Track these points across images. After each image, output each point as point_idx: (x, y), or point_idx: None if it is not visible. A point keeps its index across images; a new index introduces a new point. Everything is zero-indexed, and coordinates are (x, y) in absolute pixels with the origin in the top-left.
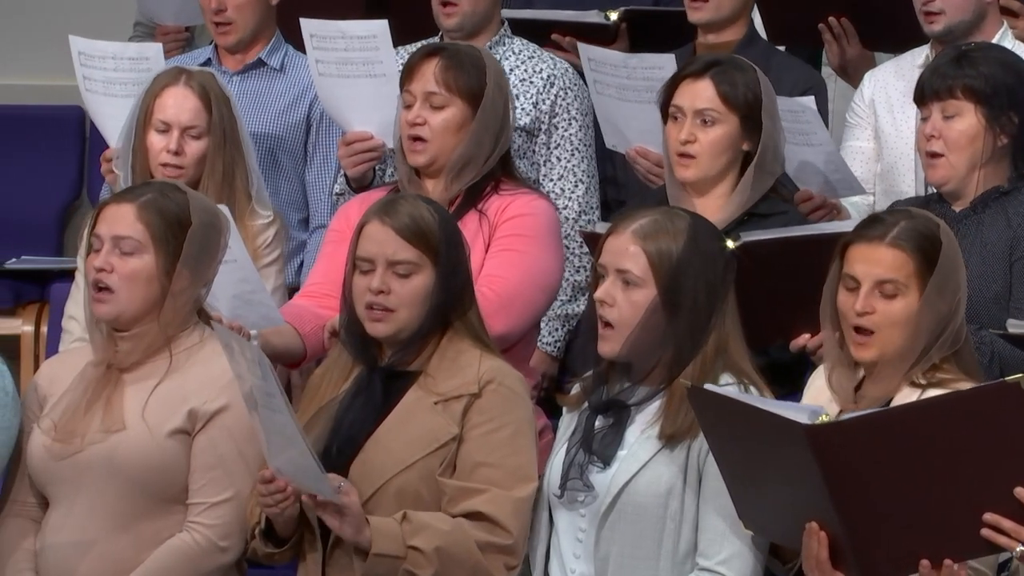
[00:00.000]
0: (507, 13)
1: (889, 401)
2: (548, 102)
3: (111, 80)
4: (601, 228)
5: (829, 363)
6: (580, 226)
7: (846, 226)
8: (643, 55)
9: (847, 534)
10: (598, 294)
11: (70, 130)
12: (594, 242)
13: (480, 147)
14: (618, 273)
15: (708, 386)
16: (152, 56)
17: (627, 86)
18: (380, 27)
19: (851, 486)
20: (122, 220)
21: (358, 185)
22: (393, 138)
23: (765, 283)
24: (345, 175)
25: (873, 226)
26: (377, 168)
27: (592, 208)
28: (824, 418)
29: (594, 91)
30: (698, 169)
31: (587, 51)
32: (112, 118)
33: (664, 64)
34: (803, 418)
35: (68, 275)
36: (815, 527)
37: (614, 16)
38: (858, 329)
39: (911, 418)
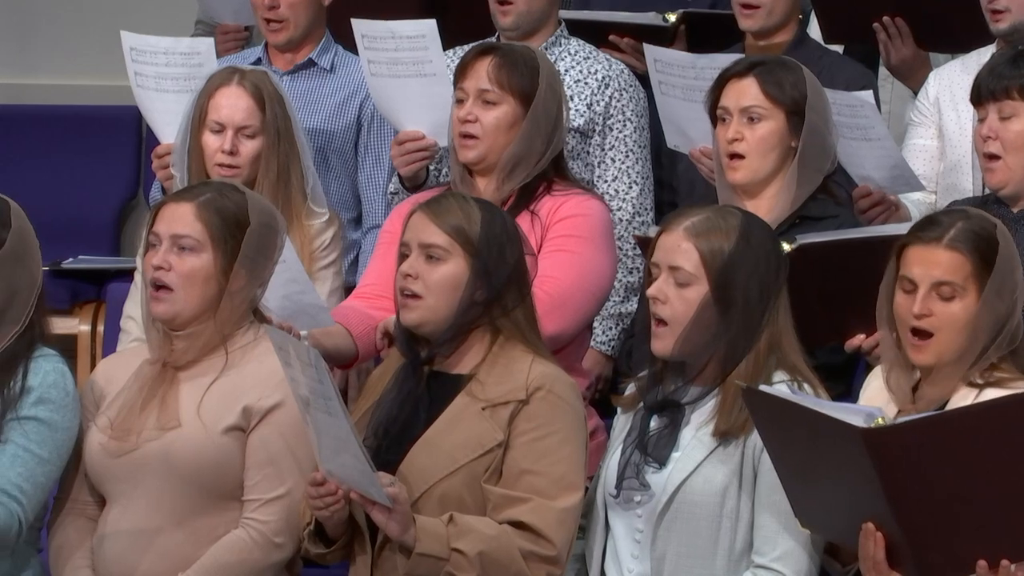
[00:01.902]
0: (565, 14)
1: (947, 401)
2: (602, 103)
3: (163, 75)
4: (654, 232)
5: (886, 364)
6: (634, 227)
7: (902, 228)
8: (712, 55)
9: (904, 535)
10: (651, 291)
11: (127, 130)
12: (647, 246)
13: (531, 148)
14: (671, 270)
15: (763, 387)
16: (204, 51)
17: (694, 86)
18: (429, 27)
19: (908, 488)
20: (181, 219)
21: (411, 184)
22: (447, 137)
23: (821, 285)
24: (399, 175)
25: (930, 227)
26: (432, 168)
27: (646, 209)
28: (880, 421)
29: (658, 92)
30: (747, 170)
31: (653, 52)
32: (164, 113)
33: None
34: (859, 421)
35: (124, 274)
36: (871, 528)
37: (672, 18)
38: (916, 332)
39: (968, 421)
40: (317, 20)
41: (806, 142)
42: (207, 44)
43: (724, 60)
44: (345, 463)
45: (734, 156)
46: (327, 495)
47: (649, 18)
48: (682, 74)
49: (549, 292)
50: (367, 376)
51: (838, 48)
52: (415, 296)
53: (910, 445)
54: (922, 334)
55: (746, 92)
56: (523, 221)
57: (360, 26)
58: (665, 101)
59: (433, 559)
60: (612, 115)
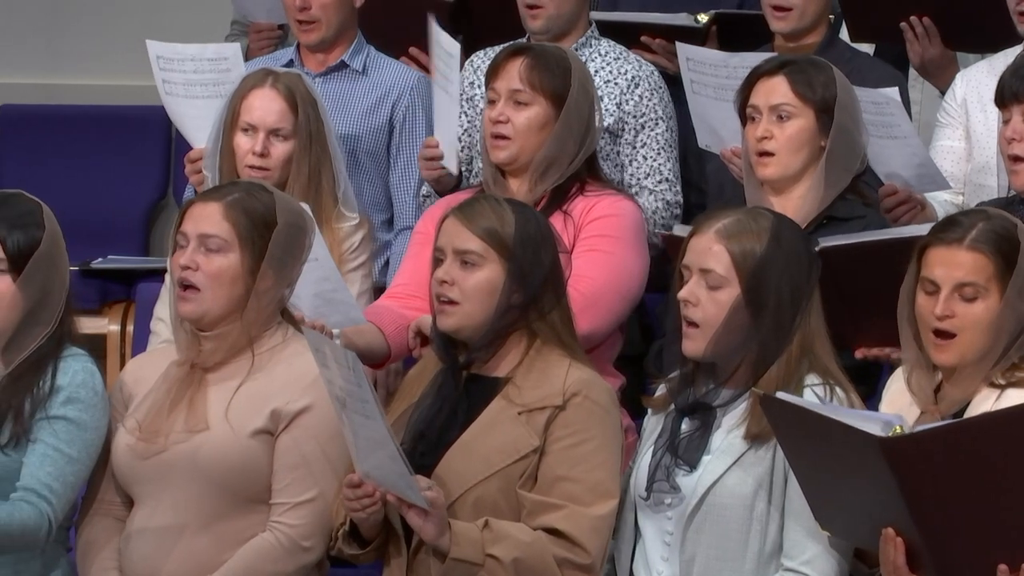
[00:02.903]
0: (596, 15)
1: (969, 402)
2: (632, 103)
3: (191, 82)
4: (680, 231)
5: (908, 365)
6: (664, 226)
7: (923, 229)
8: (744, 54)
9: (924, 541)
10: (682, 294)
11: (156, 130)
12: (674, 245)
13: (564, 149)
14: (702, 273)
15: (780, 395)
16: (231, 56)
17: (726, 85)
18: (232, 50)
19: (927, 495)
20: (208, 219)
21: (441, 190)
22: (477, 139)
23: (844, 288)
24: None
25: (951, 228)
26: (465, 170)
27: (678, 206)
28: (898, 429)
29: (690, 91)
30: (777, 166)
31: (685, 51)
32: (195, 119)
33: None
34: (877, 429)
35: (154, 275)
36: (891, 533)
37: (704, 18)
38: (939, 333)
39: (985, 428)
40: (349, 21)
41: (835, 141)
42: (234, 49)
43: (756, 59)
44: (382, 465)
45: (763, 153)
46: (364, 497)
47: (681, 19)
48: (714, 73)
49: (582, 291)
50: (396, 376)
51: (869, 49)
52: (452, 302)
53: (928, 453)
54: (944, 335)
55: (776, 90)
56: (556, 221)
57: (155, 47)
58: (697, 100)
59: (467, 564)
60: (644, 114)
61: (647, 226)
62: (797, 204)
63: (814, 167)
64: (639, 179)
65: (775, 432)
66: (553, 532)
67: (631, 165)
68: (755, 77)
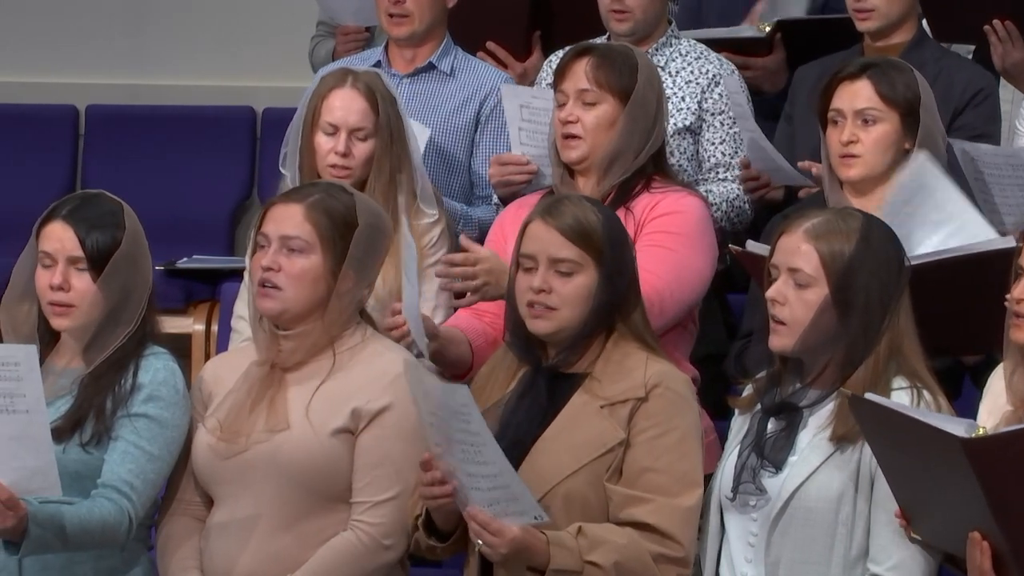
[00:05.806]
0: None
1: None
2: (711, 100)
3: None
4: (752, 247)
5: (1011, 365)
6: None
7: (1006, 242)
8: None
9: (1008, 544)
10: (770, 293)
11: (241, 130)
12: (749, 261)
13: (629, 143)
14: (790, 272)
15: (869, 396)
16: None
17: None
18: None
19: (1011, 497)
20: (290, 220)
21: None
22: (548, 140)
23: (929, 302)
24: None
25: None
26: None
27: (746, 202)
28: (981, 431)
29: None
30: (862, 167)
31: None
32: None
33: None
34: (961, 431)
35: (238, 274)
36: (977, 537)
37: (767, 28)
38: (1018, 315)
39: None
40: (439, 20)
41: (922, 143)
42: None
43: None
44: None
45: (848, 155)
46: (434, 484)
47: (745, 31)
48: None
49: (643, 289)
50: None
51: (962, 49)
52: (550, 308)
53: (1012, 454)
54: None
55: (860, 94)
56: None
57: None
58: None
59: (568, 574)
60: (723, 111)
61: (719, 214)
62: (878, 205)
63: (895, 169)
64: (717, 173)
65: (864, 434)
66: (643, 526)
67: (709, 161)
68: (836, 81)
